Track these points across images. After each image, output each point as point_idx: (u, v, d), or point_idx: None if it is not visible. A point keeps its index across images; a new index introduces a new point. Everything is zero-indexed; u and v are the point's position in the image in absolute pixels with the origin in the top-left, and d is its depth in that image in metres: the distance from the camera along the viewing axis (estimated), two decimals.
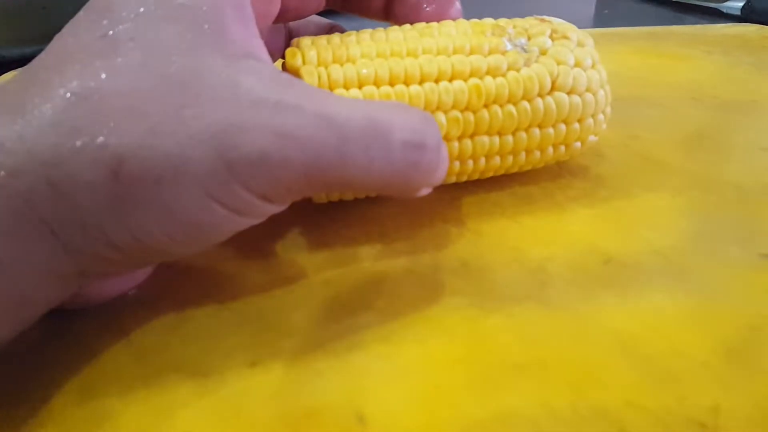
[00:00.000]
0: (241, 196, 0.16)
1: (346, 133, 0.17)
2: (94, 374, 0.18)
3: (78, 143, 0.15)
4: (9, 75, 0.35)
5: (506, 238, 0.23)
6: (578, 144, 0.25)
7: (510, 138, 0.24)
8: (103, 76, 0.15)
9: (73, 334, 0.19)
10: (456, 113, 0.22)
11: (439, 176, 0.19)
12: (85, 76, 0.15)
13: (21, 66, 0.17)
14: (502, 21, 0.24)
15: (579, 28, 0.26)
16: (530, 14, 0.26)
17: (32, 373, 0.18)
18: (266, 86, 0.16)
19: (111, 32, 0.16)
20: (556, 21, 0.25)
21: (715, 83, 0.38)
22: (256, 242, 0.23)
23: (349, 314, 0.20)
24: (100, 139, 0.15)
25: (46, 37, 0.17)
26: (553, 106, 0.23)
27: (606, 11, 0.64)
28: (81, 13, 0.17)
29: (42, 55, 0.16)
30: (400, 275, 0.22)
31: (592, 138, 0.25)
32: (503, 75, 0.23)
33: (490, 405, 0.16)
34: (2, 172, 0.14)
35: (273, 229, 0.24)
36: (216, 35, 0.16)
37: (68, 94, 0.15)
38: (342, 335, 0.19)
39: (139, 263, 0.19)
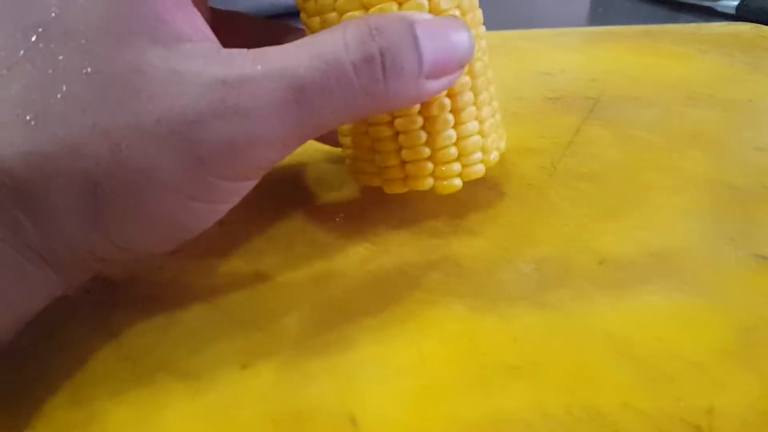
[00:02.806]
0: (218, 186, 0.16)
1: (299, 82, 0.16)
2: (84, 376, 0.18)
3: (49, 172, 0.14)
4: None
5: (499, 238, 0.23)
6: None
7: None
8: (54, 94, 0.15)
9: (63, 335, 0.19)
10: None
11: (429, 69, 0.18)
12: (34, 93, 0.15)
13: None
14: None
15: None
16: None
17: (22, 375, 0.18)
18: (210, 68, 0.16)
19: (41, 28, 0.15)
20: None
21: (710, 82, 0.38)
22: (248, 243, 0.23)
23: (341, 316, 0.20)
24: (71, 165, 0.15)
25: None
26: None
27: (600, 9, 0.64)
28: None
29: None
30: (392, 276, 0.21)
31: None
32: None
33: (483, 407, 0.16)
34: None
35: (264, 229, 0.24)
36: (152, 19, 0.16)
37: (28, 117, 0.14)
38: (333, 337, 0.19)
39: (128, 263, 0.18)
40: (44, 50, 0.15)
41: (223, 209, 0.17)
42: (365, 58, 0.17)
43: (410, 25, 0.17)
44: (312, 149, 0.30)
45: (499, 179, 0.27)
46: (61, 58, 0.15)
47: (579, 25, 0.57)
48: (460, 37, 0.19)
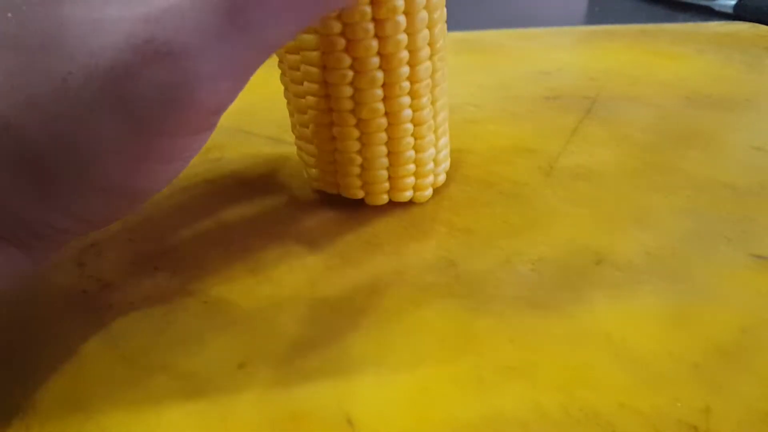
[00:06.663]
0: (166, 144, 0.15)
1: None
2: (80, 377, 0.18)
3: None
4: None
5: (496, 239, 0.23)
6: None
7: None
8: None
9: (58, 336, 0.19)
10: None
11: None
12: None
13: None
14: None
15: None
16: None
17: (18, 376, 0.18)
18: (130, 8, 0.14)
19: None
20: None
21: (708, 82, 0.38)
22: (244, 243, 0.23)
23: (337, 316, 0.20)
24: (5, 143, 0.14)
25: None
26: None
27: (598, 8, 0.64)
28: None
29: None
30: (388, 276, 0.21)
31: None
32: None
33: (480, 407, 0.16)
34: None
35: (260, 229, 0.24)
36: None
37: None
38: (330, 337, 0.19)
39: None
40: None
41: (179, 167, 0.16)
42: None
43: None
44: None
45: (495, 179, 0.27)
46: None
47: (576, 24, 0.57)
48: None
